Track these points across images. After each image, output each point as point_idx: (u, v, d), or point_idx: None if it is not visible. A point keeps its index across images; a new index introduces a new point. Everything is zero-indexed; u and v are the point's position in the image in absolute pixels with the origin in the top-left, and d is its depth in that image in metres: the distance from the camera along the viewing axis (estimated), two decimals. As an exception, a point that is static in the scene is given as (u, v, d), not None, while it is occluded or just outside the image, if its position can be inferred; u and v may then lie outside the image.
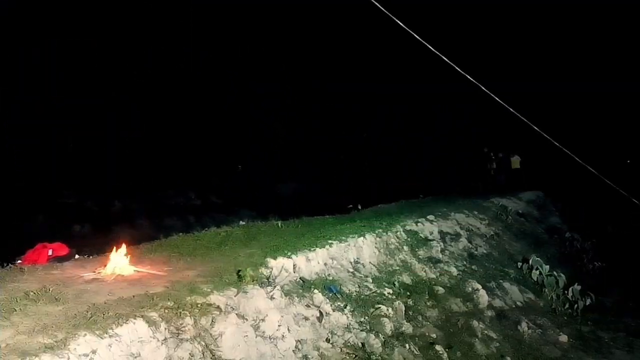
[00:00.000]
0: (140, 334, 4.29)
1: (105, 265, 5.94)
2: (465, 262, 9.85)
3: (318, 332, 5.90)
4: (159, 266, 6.19)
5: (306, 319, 5.92)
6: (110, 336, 4.06)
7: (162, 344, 4.40)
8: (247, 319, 5.30)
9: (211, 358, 4.65)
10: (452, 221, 11.52)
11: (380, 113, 31.69)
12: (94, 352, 3.85)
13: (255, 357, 5.05)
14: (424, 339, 6.81)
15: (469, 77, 6.28)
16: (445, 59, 6.15)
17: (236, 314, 5.24)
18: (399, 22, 5.81)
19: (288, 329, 5.59)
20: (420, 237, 10.01)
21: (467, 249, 10.55)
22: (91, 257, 6.96)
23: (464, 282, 8.90)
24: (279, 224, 9.30)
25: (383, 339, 6.28)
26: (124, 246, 6.20)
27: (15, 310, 4.34)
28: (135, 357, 4.15)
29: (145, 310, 4.56)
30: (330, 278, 7.10)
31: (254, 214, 13.03)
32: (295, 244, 7.51)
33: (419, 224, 10.47)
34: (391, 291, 7.49)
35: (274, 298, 5.77)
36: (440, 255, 9.64)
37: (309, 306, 6.13)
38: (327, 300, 6.40)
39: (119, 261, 5.95)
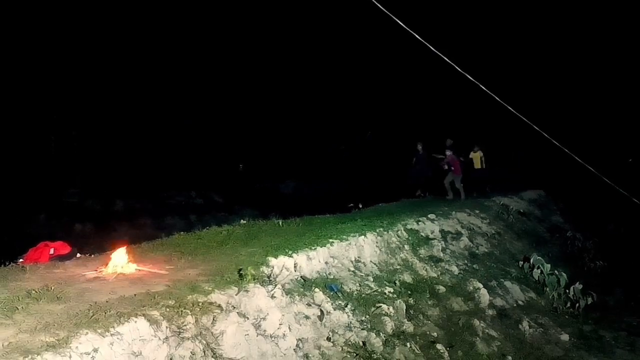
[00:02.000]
0: (142, 332, 4.31)
1: (106, 264, 5.96)
2: (466, 261, 9.85)
3: (319, 330, 5.91)
4: (160, 265, 6.21)
5: (307, 317, 5.93)
6: (111, 335, 4.07)
7: (163, 342, 4.41)
8: (248, 318, 5.31)
9: (212, 357, 4.67)
10: (453, 220, 11.52)
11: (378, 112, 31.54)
12: (95, 350, 3.87)
13: (256, 355, 5.07)
14: (425, 338, 6.81)
15: (468, 76, 6.27)
16: (445, 58, 6.14)
17: (237, 313, 5.25)
18: (400, 22, 5.81)
19: (289, 328, 5.59)
20: (422, 236, 10.01)
21: (469, 248, 10.54)
22: (93, 255, 6.98)
23: (465, 281, 8.90)
24: (280, 223, 9.30)
25: (384, 338, 6.29)
26: (125, 245, 6.22)
27: (18, 309, 4.36)
28: (137, 356, 4.17)
29: (146, 309, 4.58)
30: (331, 277, 7.12)
31: (255, 213, 13.01)
32: (296, 243, 7.52)
33: (420, 222, 10.47)
34: (392, 290, 7.50)
35: (275, 297, 5.77)
36: (442, 254, 9.63)
37: (310, 305, 6.14)
38: (328, 299, 6.40)
39: (121, 260, 5.97)
